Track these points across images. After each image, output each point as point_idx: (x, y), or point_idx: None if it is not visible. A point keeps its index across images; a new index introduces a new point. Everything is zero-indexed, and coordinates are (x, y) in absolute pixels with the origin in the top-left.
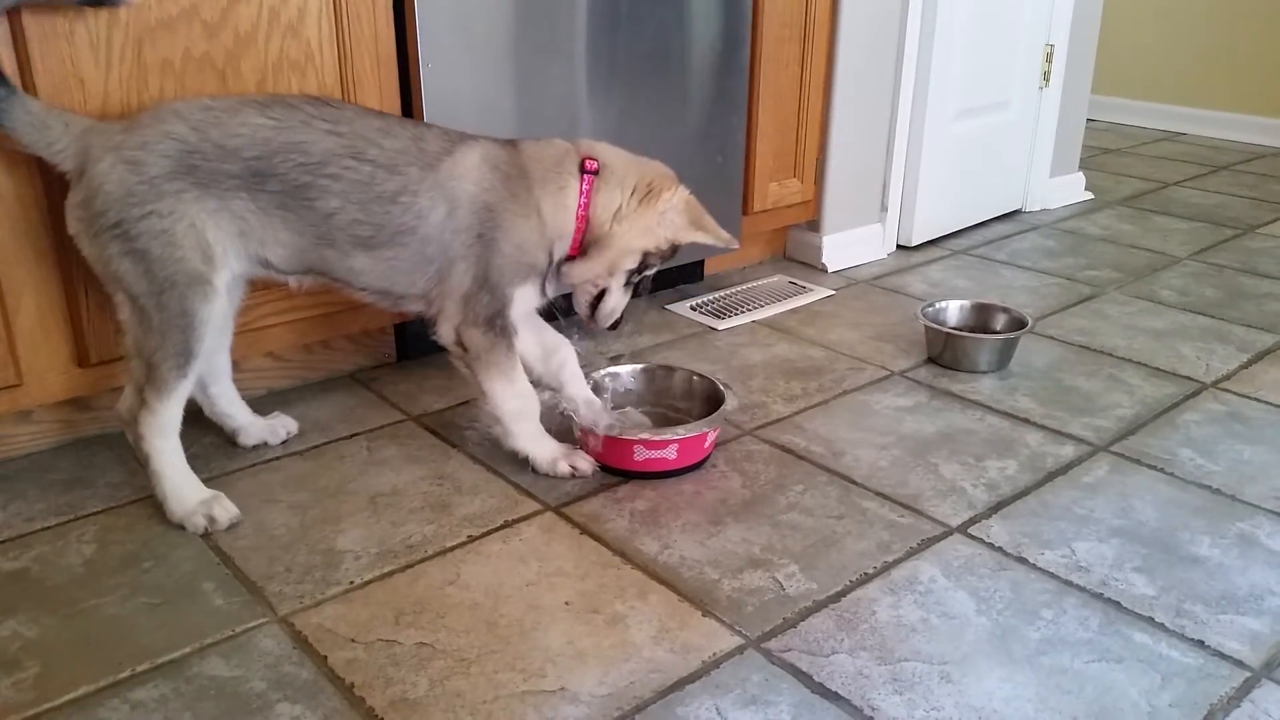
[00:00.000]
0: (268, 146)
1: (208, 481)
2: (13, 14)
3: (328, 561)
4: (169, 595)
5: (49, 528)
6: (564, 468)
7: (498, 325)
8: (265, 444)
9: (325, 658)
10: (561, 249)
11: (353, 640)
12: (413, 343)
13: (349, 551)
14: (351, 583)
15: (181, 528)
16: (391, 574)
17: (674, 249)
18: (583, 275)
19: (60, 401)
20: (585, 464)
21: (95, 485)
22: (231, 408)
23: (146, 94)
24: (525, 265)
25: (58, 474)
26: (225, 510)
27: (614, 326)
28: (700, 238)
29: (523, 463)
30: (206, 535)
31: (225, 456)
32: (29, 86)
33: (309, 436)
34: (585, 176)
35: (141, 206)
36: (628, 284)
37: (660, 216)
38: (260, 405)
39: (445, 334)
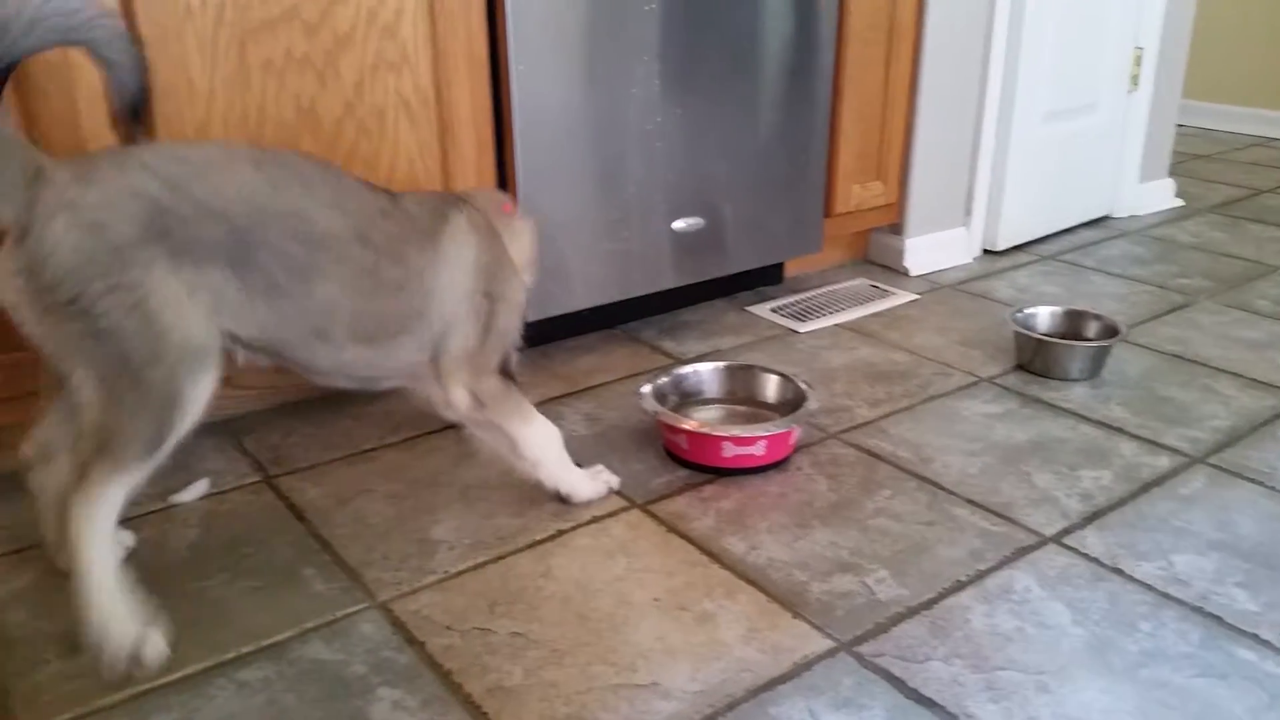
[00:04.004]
0: (263, 213)
1: (306, 472)
2: (128, 16)
3: (423, 550)
4: (270, 580)
5: (154, 512)
6: (601, 488)
7: (503, 370)
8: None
9: (423, 644)
10: None
11: (449, 628)
12: None
13: (443, 541)
14: (446, 572)
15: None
16: (484, 565)
17: None
18: None
19: None
20: (612, 478)
21: (196, 472)
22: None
23: (249, 94)
24: (522, 304)
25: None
26: (154, 650)
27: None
28: None
29: (607, 458)
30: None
31: (321, 446)
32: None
33: (402, 429)
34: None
35: (105, 279)
36: None
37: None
38: (355, 398)
39: (459, 398)
